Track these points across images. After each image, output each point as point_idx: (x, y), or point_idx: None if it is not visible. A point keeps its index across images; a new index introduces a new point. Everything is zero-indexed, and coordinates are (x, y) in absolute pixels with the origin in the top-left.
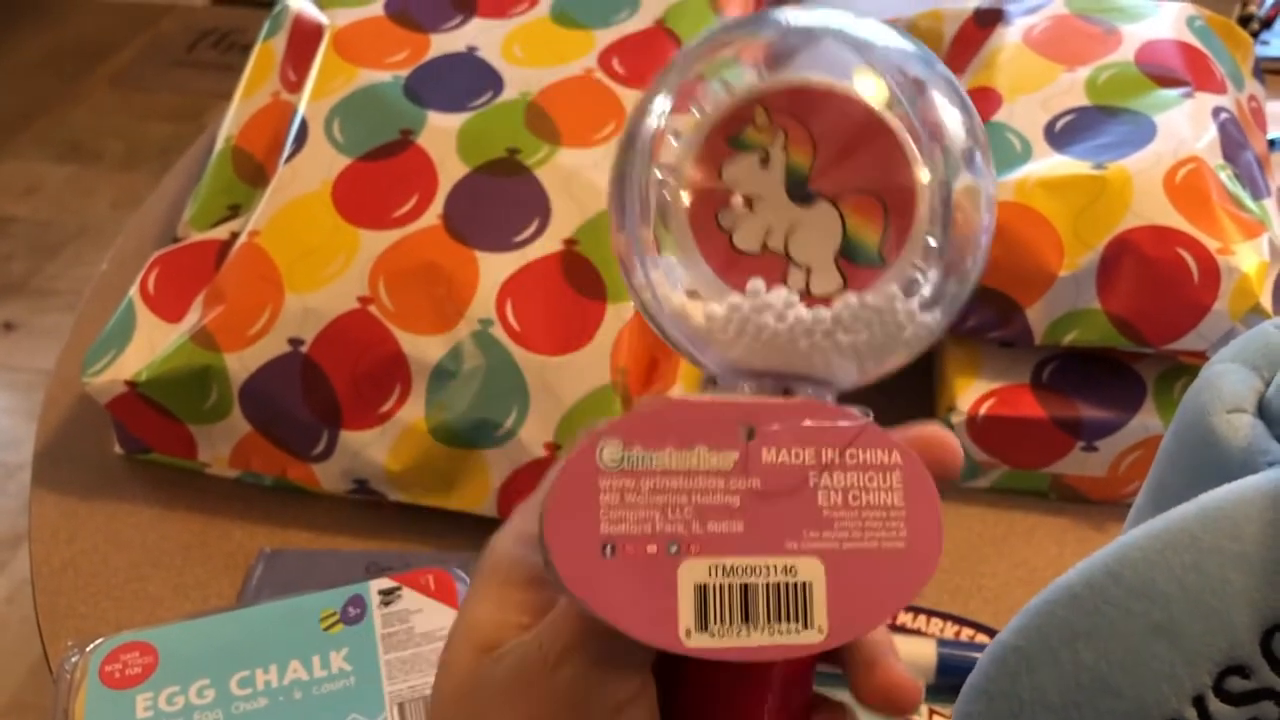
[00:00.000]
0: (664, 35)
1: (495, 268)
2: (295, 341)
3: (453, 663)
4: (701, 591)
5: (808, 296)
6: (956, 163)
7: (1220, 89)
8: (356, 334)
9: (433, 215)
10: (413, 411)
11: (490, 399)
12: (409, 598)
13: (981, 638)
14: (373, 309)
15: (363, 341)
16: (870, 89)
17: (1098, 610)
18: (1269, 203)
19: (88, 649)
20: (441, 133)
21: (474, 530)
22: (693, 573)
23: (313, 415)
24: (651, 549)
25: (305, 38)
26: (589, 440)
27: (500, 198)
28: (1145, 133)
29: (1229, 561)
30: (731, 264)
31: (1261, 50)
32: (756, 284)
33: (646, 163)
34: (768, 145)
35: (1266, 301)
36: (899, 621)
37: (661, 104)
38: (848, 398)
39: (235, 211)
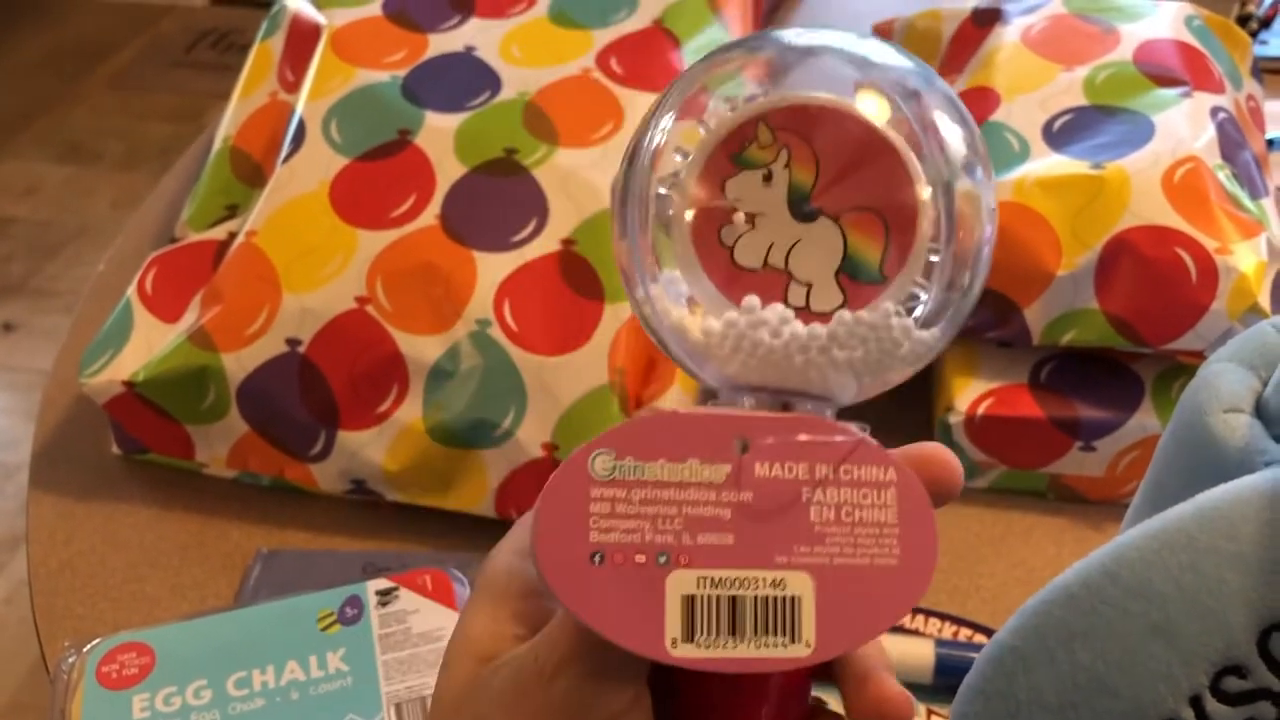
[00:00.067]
0: (662, 35)
1: (493, 268)
2: (293, 341)
3: (451, 672)
4: (689, 602)
5: (808, 313)
6: (958, 179)
7: (1218, 89)
8: (354, 334)
9: (430, 215)
10: (410, 411)
11: (488, 399)
12: (406, 598)
13: (979, 638)
14: (370, 309)
15: (360, 341)
16: (872, 106)
17: (1095, 610)
18: (1267, 202)
19: (84, 649)
20: (439, 133)
21: (472, 530)
22: (681, 583)
23: (310, 415)
24: (640, 559)
25: (303, 38)
26: (582, 450)
27: (498, 198)
28: (1143, 132)
29: (1226, 561)
30: (733, 280)
31: (1260, 50)
32: (752, 300)
33: (650, 179)
34: (770, 162)
35: (1265, 301)
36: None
37: (665, 120)
38: (849, 410)
39: (233, 212)
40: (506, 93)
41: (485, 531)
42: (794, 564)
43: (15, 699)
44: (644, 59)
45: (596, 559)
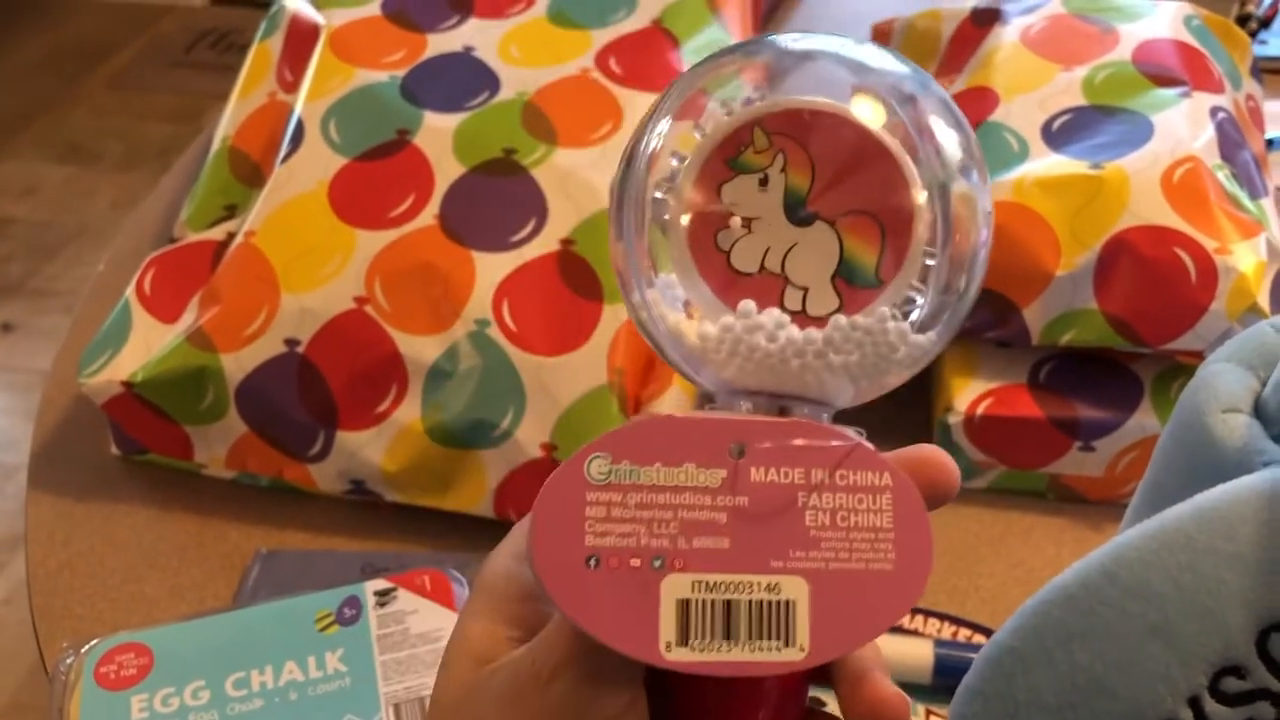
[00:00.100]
0: (661, 35)
1: (492, 268)
2: (291, 342)
3: (450, 675)
4: (684, 606)
5: (804, 317)
6: (953, 183)
7: (1218, 88)
8: (353, 334)
9: (429, 215)
10: (409, 412)
11: (487, 399)
12: (405, 599)
13: (979, 638)
14: (369, 309)
15: (359, 342)
16: (868, 111)
17: (1093, 611)
18: (1266, 202)
19: (83, 650)
20: (438, 133)
21: (470, 531)
22: (676, 587)
23: (309, 416)
24: (635, 563)
25: (302, 38)
26: (578, 454)
27: (497, 198)
28: (1142, 132)
29: (1224, 562)
30: (730, 284)
31: (1259, 49)
32: (748, 305)
33: (646, 183)
34: (766, 167)
35: (1264, 301)
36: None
37: (662, 125)
38: (847, 414)
39: (232, 212)
40: (505, 93)
41: (484, 532)
42: (789, 568)
43: (15, 699)
44: (643, 59)
45: (592, 563)
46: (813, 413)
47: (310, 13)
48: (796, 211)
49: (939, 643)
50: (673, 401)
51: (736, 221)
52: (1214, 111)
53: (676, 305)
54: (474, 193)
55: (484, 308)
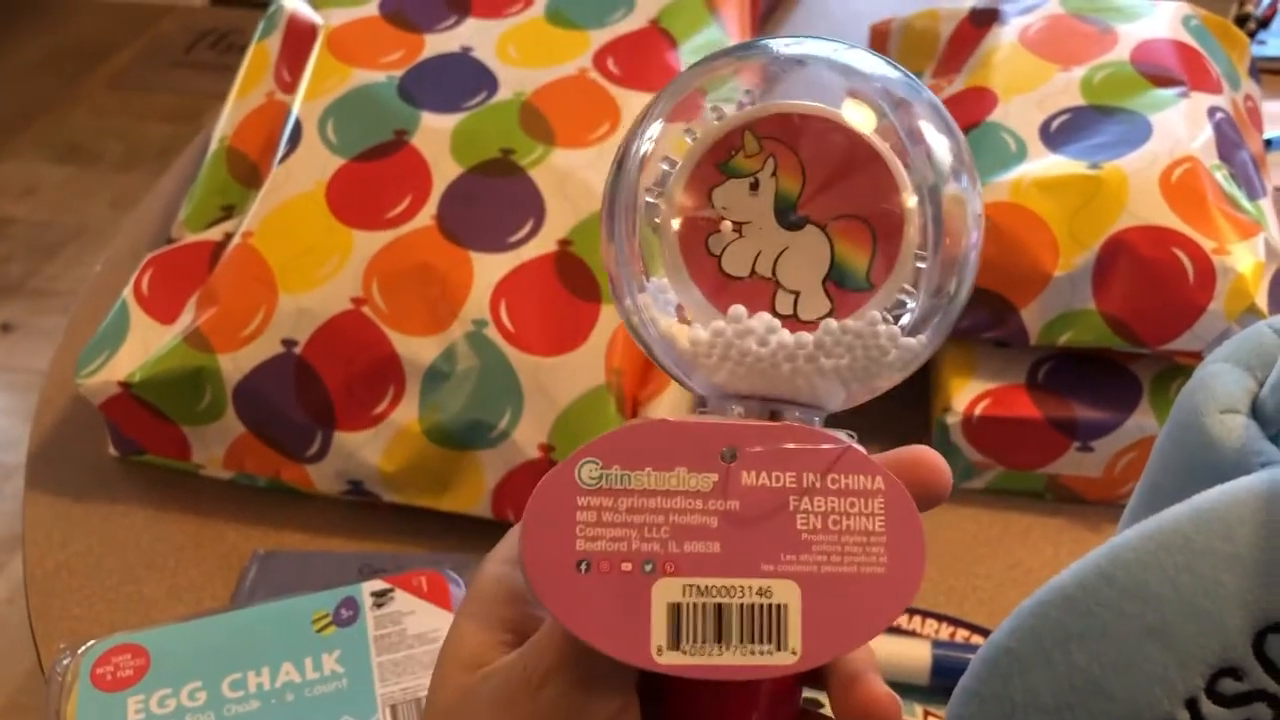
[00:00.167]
0: (659, 35)
1: (489, 268)
2: (289, 342)
3: (442, 680)
4: (675, 610)
5: (795, 321)
6: (944, 186)
7: (1216, 89)
8: (350, 335)
9: (426, 216)
10: (406, 413)
11: (484, 400)
12: (402, 599)
13: (976, 639)
14: (366, 310)
15: (356, 342)
16: (858, 115)
17: (1091, 612)
18: (1265, 203)
19: (79, 651)
20: (435, 133)
21: (468, 532)
22: (667, 591)
23: (306, 416)
24: (626, 567)
25: (300, 38)
26: (569, 459)
27: (494, 198)
28: (1141, 132)
29: (1221, 563)
30: (721, 288)
31: (1258, 50)
32: (739, 309)
33: (637, 187)
34: (757, 171)
35: (1262, 301)
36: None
37: (653, 128)
38: (841, 416)
39: (229, 212)
40: (503, 93)
41: (482, 533)
42: (780, 572)
43: (15, 699)
44: (641, 59)
45: (583, 567)
46: (804, 416)
47: (308, 13)
48: (787, 215)
49: (936, 643)
50: (671, 402)
51: (727, 226)
52: (1212, 112)
53: (668, 309)
54: (472, 193)
55: (481, 308)
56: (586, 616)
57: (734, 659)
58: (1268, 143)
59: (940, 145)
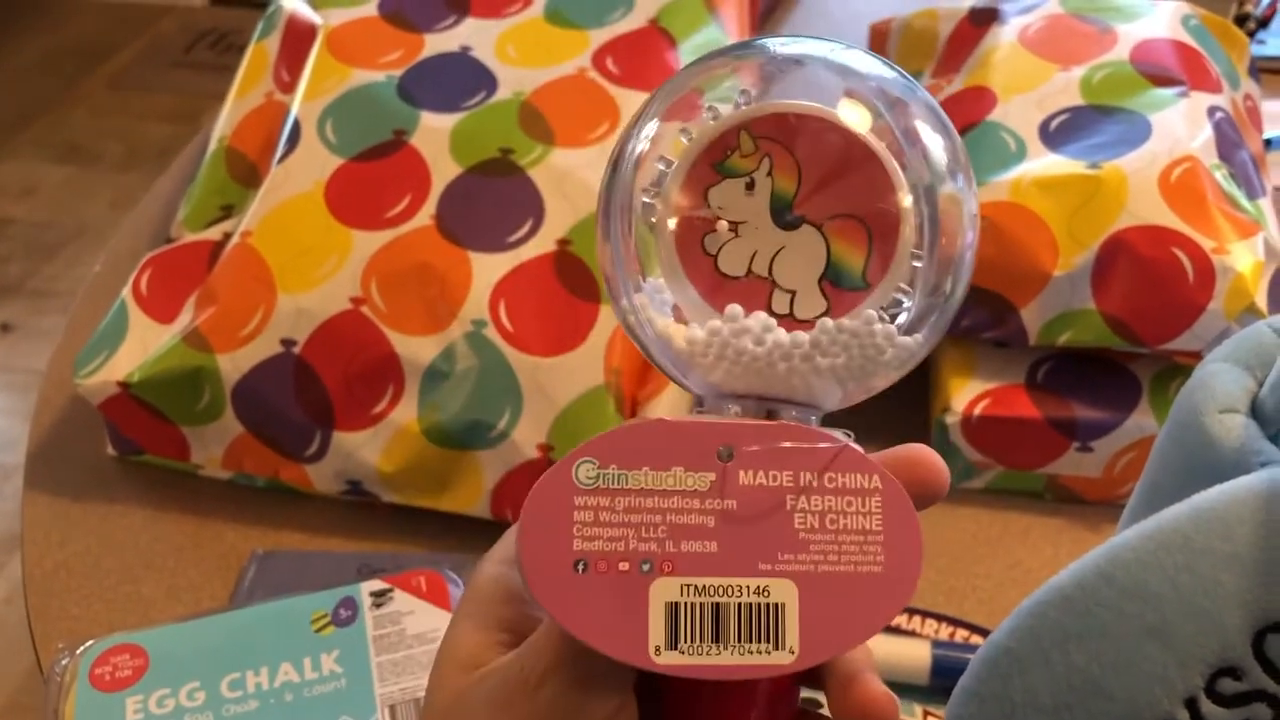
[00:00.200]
0: (658, 35)
1: (488, 268)
2: (288, 342)
3: (440, 680)
4: (672, 610)
5: (792, 320)
6: (940, 186)
7: (1215, 88)
8: (349, 335)
9: (425, 216)
10: (405, 412)
11: (483, 400)
12: (401, 599)
13: (976, 639)
14: (365, 310)
15: (355, 342)
16: (854, 115)
17: (1090, 612)
18: (1264, 202)
19: (78, 651)
20: (434, 133)
21: (467, 532)
22: (664, 591)
23: (305, 416)
24: (624, 566)
25: (299, 38)
26: (566, 459)
27: (493, 198)
28: (1140, 132)
29: (1221, 562)
30: (717, 288)
31: (1257, 49)
32: (735, 308)
33: (633, 187)
34: (753, 170)
35: (1261, 301)
36: (894, 622)
37: (649, 128)
38: (839, 415)
39: (228, 212)
40: (502, 93)
41: (481, 533)
42: (778, 571)
43: (15, 700)
44: (640, 59)
45: (580, 567)
46: (801, 416)
47: (307, 12)
48: (783, 215)
49: (936, 643)
50: (670, 402)
51: (723, 225)
52: (1212, 111)
53: (664, 309)
54: (471, 193)
55: (480, 308)
56: (584, 616)
57: (732, 658)
58: (1267, 142)
59: (936, 145)
